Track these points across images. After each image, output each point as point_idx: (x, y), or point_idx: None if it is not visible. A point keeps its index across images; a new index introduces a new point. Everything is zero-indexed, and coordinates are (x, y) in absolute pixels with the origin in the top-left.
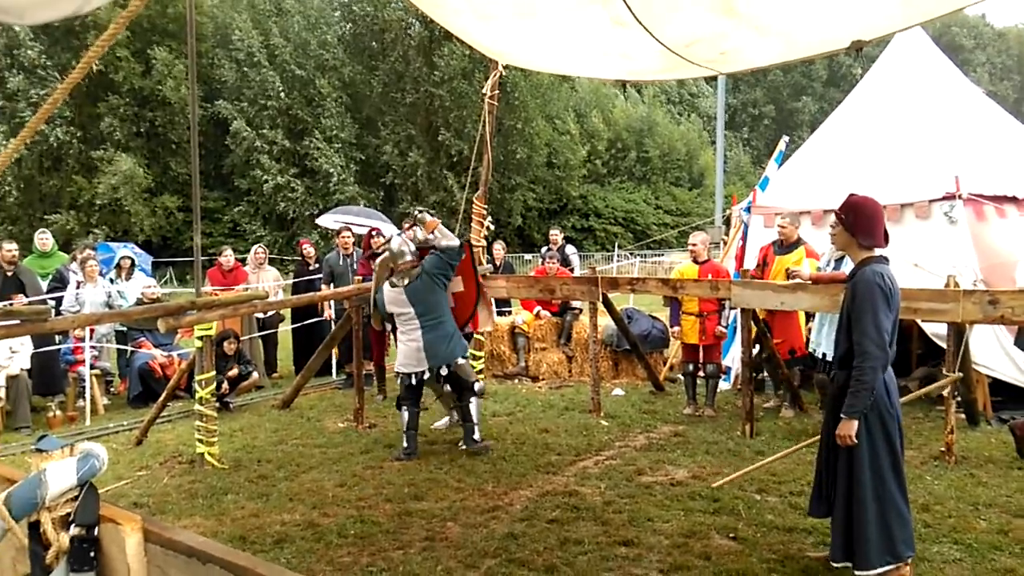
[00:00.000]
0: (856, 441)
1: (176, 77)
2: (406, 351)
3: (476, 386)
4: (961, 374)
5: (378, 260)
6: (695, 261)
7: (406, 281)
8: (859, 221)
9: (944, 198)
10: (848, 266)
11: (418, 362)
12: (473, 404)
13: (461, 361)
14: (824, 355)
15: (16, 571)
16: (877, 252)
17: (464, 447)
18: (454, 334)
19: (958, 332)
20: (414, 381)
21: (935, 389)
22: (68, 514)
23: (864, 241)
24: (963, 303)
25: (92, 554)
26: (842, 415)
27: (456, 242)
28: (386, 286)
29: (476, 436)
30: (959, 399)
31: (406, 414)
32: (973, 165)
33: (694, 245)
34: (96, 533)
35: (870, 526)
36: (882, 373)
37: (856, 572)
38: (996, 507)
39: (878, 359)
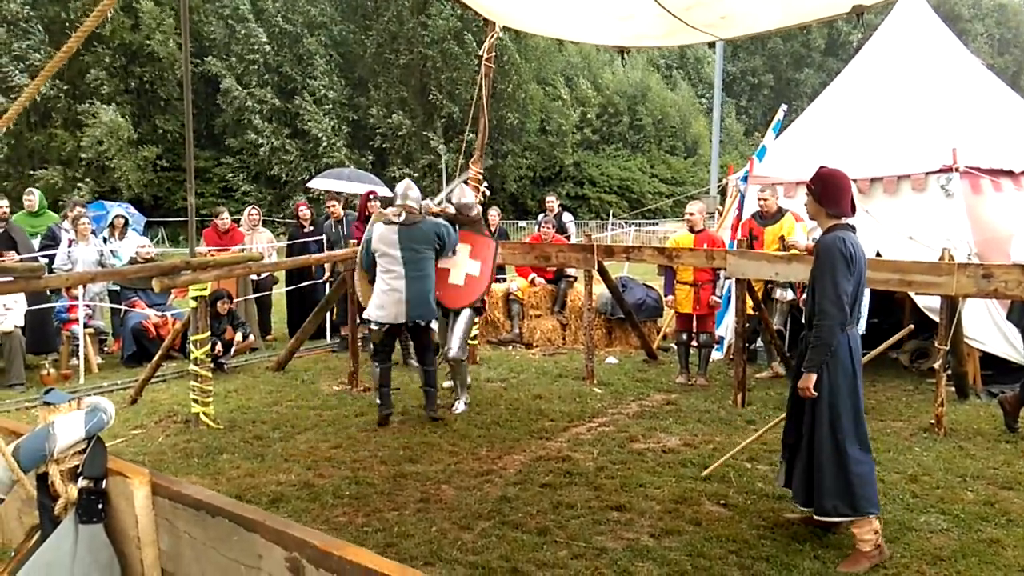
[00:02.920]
0: (815, 393)
1: (165, 31)
2: (384, 300)
3: (452, 353)
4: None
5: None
6: (691, 230)
7: (405, 221)
8: (826, 192)
9: (941, 171)
10: None
11: (396, 313)
12: (433, 369)
13: (434, 325)
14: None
15: (22, 522)
16: (845, 220)
17: (427, 413)
18: (432, 293)
19: (951, 305)
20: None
21: (889, 346)
22: (76, 467)
23: (831, 210)
24: (957, 276)
25: (100, 506)
26: (802, 369)
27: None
28: (380, 224)
29: (464, 400)
30: (950, 372)
31: (378, 370)
32: (970, 138)
33: (691, 214)
34: (104, 486)
35: (827, 476)
36: (840, 332)
37: (815, 516)
38: (983, 479)
39: (835, 318)
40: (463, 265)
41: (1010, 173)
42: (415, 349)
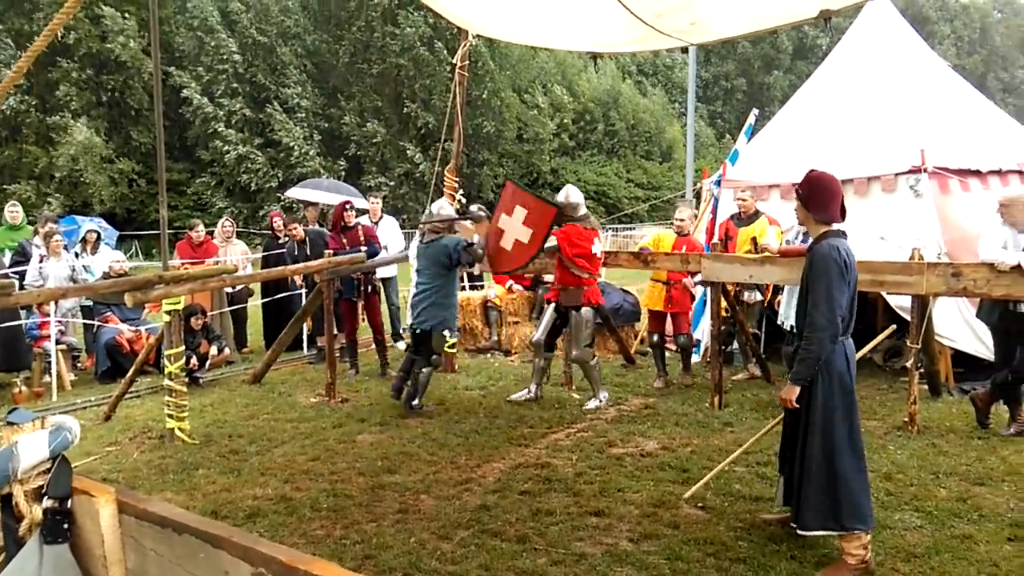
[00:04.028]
0: (796, 405)
1: (128, 35)
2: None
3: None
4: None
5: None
6: (678, 234)
7: (426, 239)
8: (814, 196)
9: (910, 171)
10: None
11: (412, 317)
12: (424, 373)
13: (445, 334)
14: (792, 327)
15: None
16: (836, 227)
17: (409, 407)
18: (436, 306)
19: (922, 304)
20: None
21: (872, 348)
22: (41, 487)
23: (818, 216)
24: (927, 275)
25: (65, 526)
26: (788, 379)
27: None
28: (417, 239)
29: (416, 402)
30: (922, 370)
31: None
32: (938, 139)
33: (681, 220)
34: (69, 505)
35: (814, 491)
36: (831, 344)
37: (798, 531)
38: (956, 475)
39: (826, 331)
40: (515, 231)
41: (977, 173)
42: (421, 352)
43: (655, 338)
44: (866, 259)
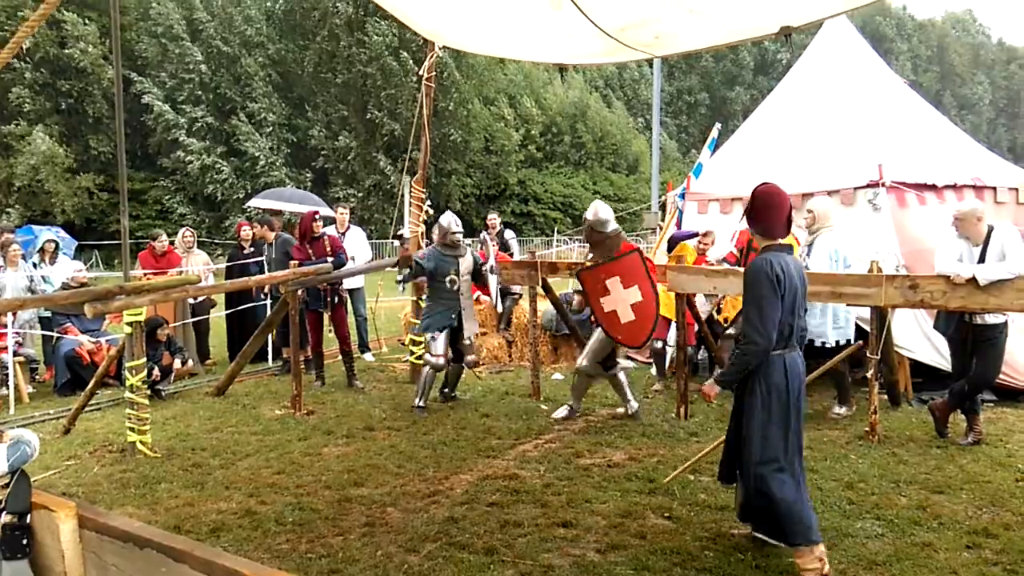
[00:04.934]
0: (713, 401)
1: (89, 41)
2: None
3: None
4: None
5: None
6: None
7: (461, 252)
8: (753, 211)
9: (868, 185)
10: (818, 250)
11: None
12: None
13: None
14: None
15: None
16: (779, 241)
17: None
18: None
19: (880, 316)
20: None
21: (822, 371)
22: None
23: (760, 231)
24: (885, 287)
25: (25, 541)
26: (714, 377)
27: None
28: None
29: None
30: (882, 381)
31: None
32: (895, 153)
33: (704, 243)
34: (29, 520)
35: (754, 503)
36: (763, 356)
37: (753, 533)
38: (916, 484)
39: (758, 344)
40: (624, 299)
41: (933, 187)
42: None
43: (659, 344)
44: (825, 271)
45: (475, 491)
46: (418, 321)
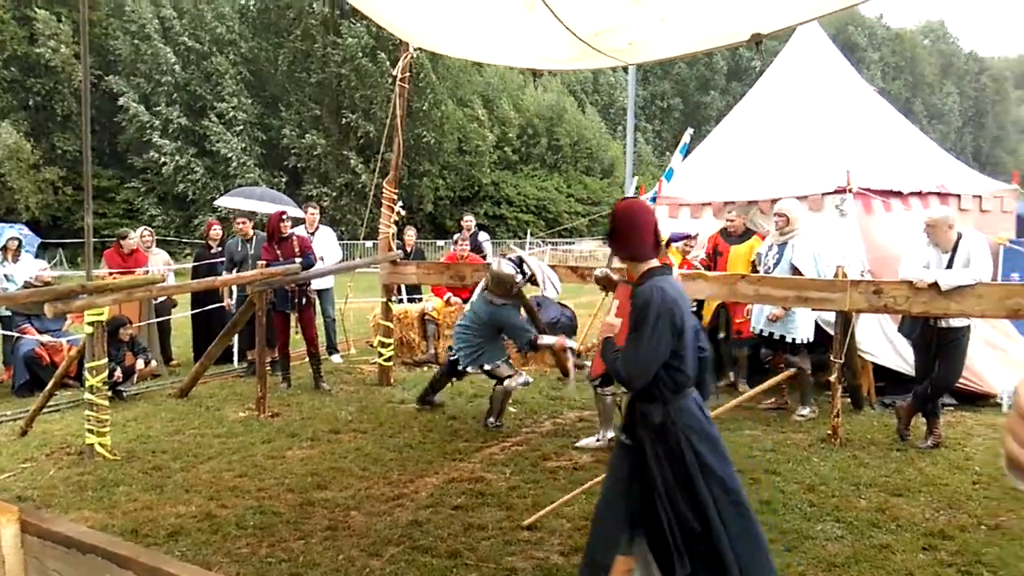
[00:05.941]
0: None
1: (61, 40)
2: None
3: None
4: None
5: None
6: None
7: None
8: (617, 233)
9: (836, 192)
10: (789, 251)
11: None
12: (498, 391)
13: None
14: (762, 331)
15: None
16: (655, 264)
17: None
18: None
19: (845, 320)
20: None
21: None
22: None
23: (628, 255)
24: (850, 292)
25: None
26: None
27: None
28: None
29: (491, 420)
30: (845, 384)
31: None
32: (863, 161)
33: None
34: None
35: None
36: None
37: None
38: (876, 487)
39: (631, 382)
40: (615, 323)
41: (899, 194)
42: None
43: None
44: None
45: (440, 494)
46: (388, 323)
